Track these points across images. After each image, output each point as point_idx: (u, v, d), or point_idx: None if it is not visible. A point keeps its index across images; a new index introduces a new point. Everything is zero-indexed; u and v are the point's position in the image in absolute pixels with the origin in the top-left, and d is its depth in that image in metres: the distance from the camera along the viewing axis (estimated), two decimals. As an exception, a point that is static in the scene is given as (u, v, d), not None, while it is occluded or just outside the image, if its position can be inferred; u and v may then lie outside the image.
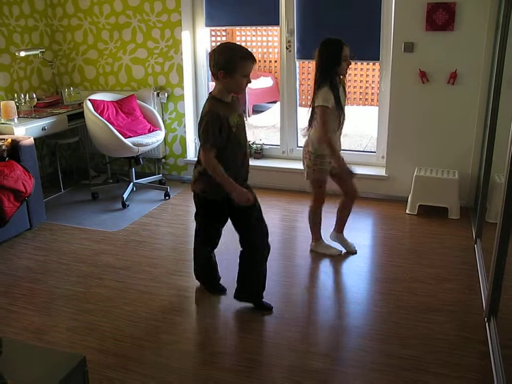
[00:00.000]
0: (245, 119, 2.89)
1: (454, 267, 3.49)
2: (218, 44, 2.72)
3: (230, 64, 2.57)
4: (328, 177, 3.52)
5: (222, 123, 2.63)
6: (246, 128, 2.88)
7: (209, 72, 5.37)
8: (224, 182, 2.68)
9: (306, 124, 3.46)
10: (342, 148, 3.61)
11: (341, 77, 3.39)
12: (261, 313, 2.97)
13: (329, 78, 3.27)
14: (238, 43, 2.72)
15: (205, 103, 2.73)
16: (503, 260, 2.60)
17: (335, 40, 3.27)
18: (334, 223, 3.74)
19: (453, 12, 4.07)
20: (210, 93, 2.74)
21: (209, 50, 5.31)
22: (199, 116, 2.73)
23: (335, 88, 3.28)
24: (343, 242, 3.74)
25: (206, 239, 3.08)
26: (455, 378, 2.42)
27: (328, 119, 3.29)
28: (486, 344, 2.64)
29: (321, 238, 3.74)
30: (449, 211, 4.27)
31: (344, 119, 3.43)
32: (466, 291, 3.18)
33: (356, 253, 3.71)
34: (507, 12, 3.37)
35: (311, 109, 3.39)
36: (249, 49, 2.68)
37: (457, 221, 4.23)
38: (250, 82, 2.68)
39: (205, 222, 3.01)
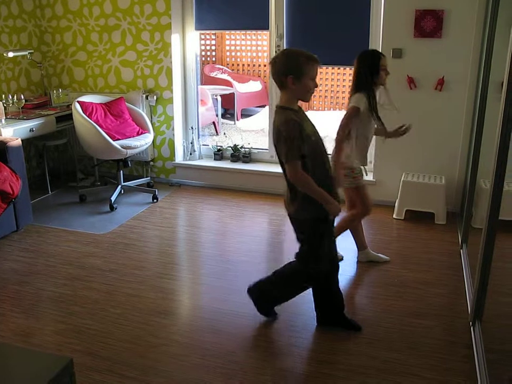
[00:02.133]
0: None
1: (440, 272, 3.52)
2: (278, 52, 2.56)
3: (298, 67, 2.44)
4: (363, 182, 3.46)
5: (301, 131, 2.46)
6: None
7: (198, 75, 5.44)
8: (317, 194, 2.51)
9: None
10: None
11: (381, 87, 3.36)
12: (256, 317, 2.98)
13: (366, 88, 3.25)
14: (304, 51, 2.53)
15: (276, 116, 2.57)
16: (488, 265, 2.63)
17: (372, 51, 3.36)
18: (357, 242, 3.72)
19: (441, 19, 4.12)
20: (278, 105, 2.60)
21: (198, 53, 5.33)
22: (275, 130, 2.55)
23: (373, 97, 3.25)
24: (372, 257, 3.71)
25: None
26: (441, 382, 2.44)
27: (361, 124, 3.28)
28: (470, 347, 2.67)
29: (367, 246, 3.70)
30: (436, 216, 4.31)
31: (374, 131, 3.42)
32: (452, 296, 3.21)
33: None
34: (494, 19, 3.42)
35: None
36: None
37: (443, 226, 4.27)
38: (317, 86, 2.54)
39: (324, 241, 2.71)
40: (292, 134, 2.44)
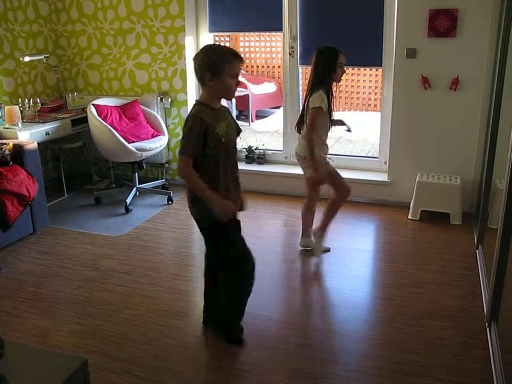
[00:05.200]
0: (235, 127, 2.62)
1: (456, 272, 3.49)
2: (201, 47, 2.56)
3: (216, 65, 2.38)
4: (325, 179, 3.57)
5: (207, 131, 2.37)
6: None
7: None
8: (203, 192, 2.41)
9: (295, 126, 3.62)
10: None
11: (334, 83, 3.46)
12: (270, 319, 2.98)
13: (324, 83, 3.39)
14: (226, 47, 2.54)
15: (191, 109, 2.49)
16: (504, 266, 2.61)
17: (331, 48, 3.40)
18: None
19: (455, 19, 4.09)
20: (197, 99, 2.53)
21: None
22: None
23: (329, 93, 3.40)
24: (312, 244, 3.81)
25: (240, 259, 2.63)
26: (456, 383, 2.43)
27: (320, 121, 3.40)
28: (486, 349, 2.65)
29: (310, 235, 3.81)
30: (451, 217, 4.28)
31: (332, 122, 3.53)
32: (468, 296, 3.18)
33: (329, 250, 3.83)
34: (508, 18, 3.39)
35: (302, 111, 3.54)
36: (241, 54, 2.48)
37: (459, 226, 4.23)
38: (239, 84, 2.48)
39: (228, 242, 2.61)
40: (192, 130, 2.37)
